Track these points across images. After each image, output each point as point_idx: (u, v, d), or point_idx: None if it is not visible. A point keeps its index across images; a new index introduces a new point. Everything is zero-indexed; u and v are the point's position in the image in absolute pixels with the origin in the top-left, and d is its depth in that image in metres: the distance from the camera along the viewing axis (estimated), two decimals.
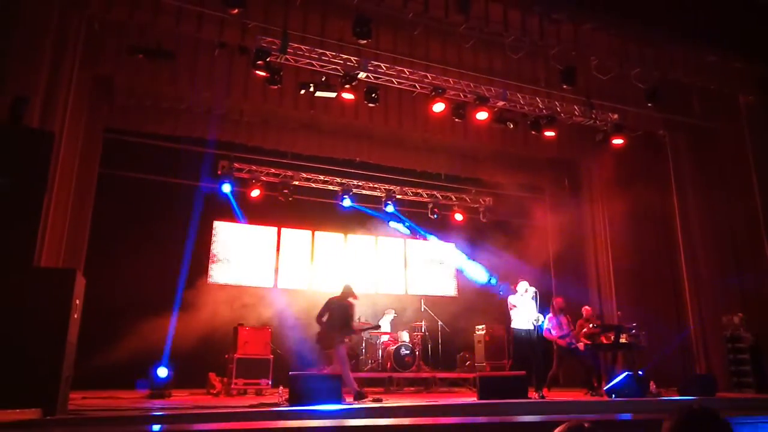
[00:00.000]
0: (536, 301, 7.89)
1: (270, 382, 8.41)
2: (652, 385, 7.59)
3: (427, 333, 10.61)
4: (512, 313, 7.83)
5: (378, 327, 8.47)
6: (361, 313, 10.28)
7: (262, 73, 8.01)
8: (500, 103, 9.54)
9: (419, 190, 12.59)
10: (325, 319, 7.08)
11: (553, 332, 8.05)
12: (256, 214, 11.34)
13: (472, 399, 7.03)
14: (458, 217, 12.90)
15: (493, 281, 12.52)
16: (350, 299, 7.32)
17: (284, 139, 10.56)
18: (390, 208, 12.16)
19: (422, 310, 11.05)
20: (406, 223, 12.56)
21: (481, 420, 5.21)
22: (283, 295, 10.80)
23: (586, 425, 1.72)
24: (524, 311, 7.72)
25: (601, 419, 5.00)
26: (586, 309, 8.81)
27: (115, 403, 6.39)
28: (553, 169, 12.72)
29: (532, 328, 7.72)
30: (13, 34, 5.77)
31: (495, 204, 13.13)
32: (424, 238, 12.76)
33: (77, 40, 6.91)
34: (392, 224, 12.50)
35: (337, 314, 7.10)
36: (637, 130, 10.50)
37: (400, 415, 5.60)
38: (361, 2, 7.68)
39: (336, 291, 7.52)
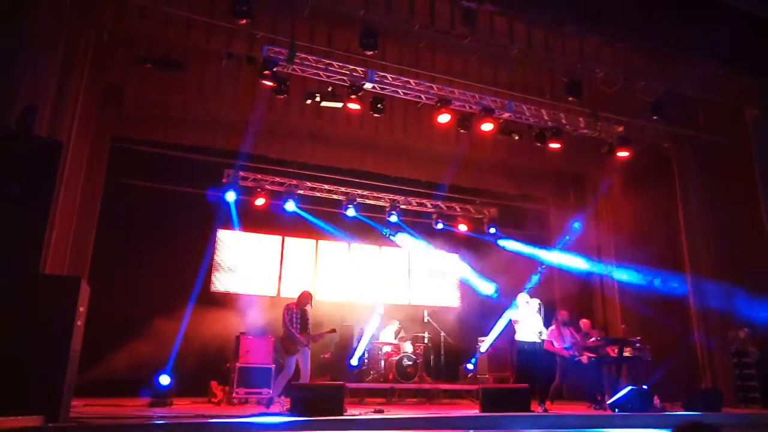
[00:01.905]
0: (541, 313, 7.88)
1: (271, 392, 8.39)
2: (656, 400, 7.53)
3: (429, 344, 10.58)
4: (516, 326, 7.80)
5: (334, 331, 8.00)
6: (365, 323, 10.31)
7: (269, 83, 8.07)
8: (505, 115, 9.56)
9: (423, 201, 12.60)
10: (291, 324, 7.29)
11: (555, 344, 8.01)
12: (260, 222, 11.38)
13: (475, 411, 6.98)
14: (462, 227, 12.89)
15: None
16: (307, 307, 7.54)
17: (290, 149, 10.62)
18: (394, 218, 12.16)
19: (425, 321, 11.01)
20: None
21: None
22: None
23: None
24: (528, 324, 7.68)
25: None
26: (583, 322, 8.78)
27: (117, 410, 6.39)
28: (557, 181, 12.72)
29: (537, 340, 7.66)
30: (23, 44, 5.85)
31: (499, 215, 13.12)
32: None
33: (86, 50, 7.00)
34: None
35: (298, 320, 7.35)
36: (643, 142, 10.48)
37: (402, 427, 5.58)
38: (368, 14, 7.74)
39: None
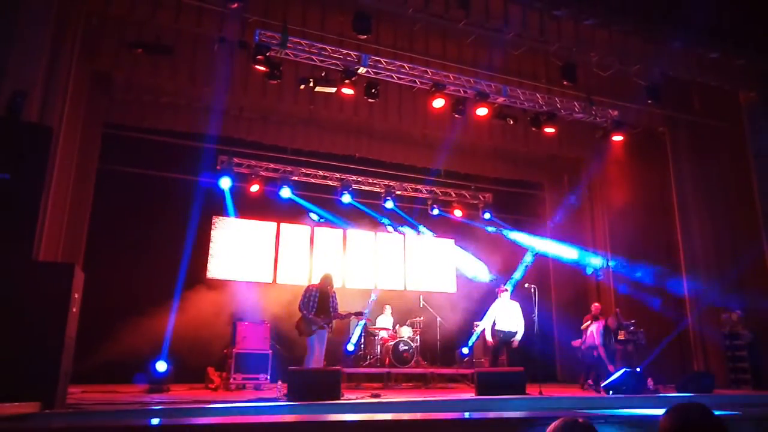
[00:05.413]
0: (535, 297, 8.03)
1: (268, 377, 8.43)
2: (650, 382, 7.62)
3: (425, 329, 10.62)
4: (497, 317, 8.23)
5: (361, 314, 7.98)
6: (360, 308, 10.31)
7: (262, 68, 7.99)
8: (500, 99, 9.52)
9: (419, 186, 12.57)
10: (306, 306, 7.20)
11: (596, 339, 8.40)
12: (255, 209, 11.34)
13: (471, 394, 7.05)
14: (458, 213, 12.89)
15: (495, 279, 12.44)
16: (329, 289, 7.40)
17: (284, 135, 10.55)
18: (389, 204, 12.15)
19: (421, 306, 11.05)
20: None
21: (479, 415, 5.22)
22: (282, 291, 10.80)
23: (580, 420, 1.73)
24: (507, 315, 8.15)
25: (597, 415, 5.01)
26: (595, 306, 8.87)
27: (114, 397, 6.40)
28: (552, 166, 12.72)
29: (514, 329, 8.04)
30: (11, 29, 5.76)
31: (494, 200, 13.13)
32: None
33: (76, 34, 6.89)
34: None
35: (315, 302, 7.20)
36: (638, 126, 10.49)
37: (399, 411, 5.62)
38: None
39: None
